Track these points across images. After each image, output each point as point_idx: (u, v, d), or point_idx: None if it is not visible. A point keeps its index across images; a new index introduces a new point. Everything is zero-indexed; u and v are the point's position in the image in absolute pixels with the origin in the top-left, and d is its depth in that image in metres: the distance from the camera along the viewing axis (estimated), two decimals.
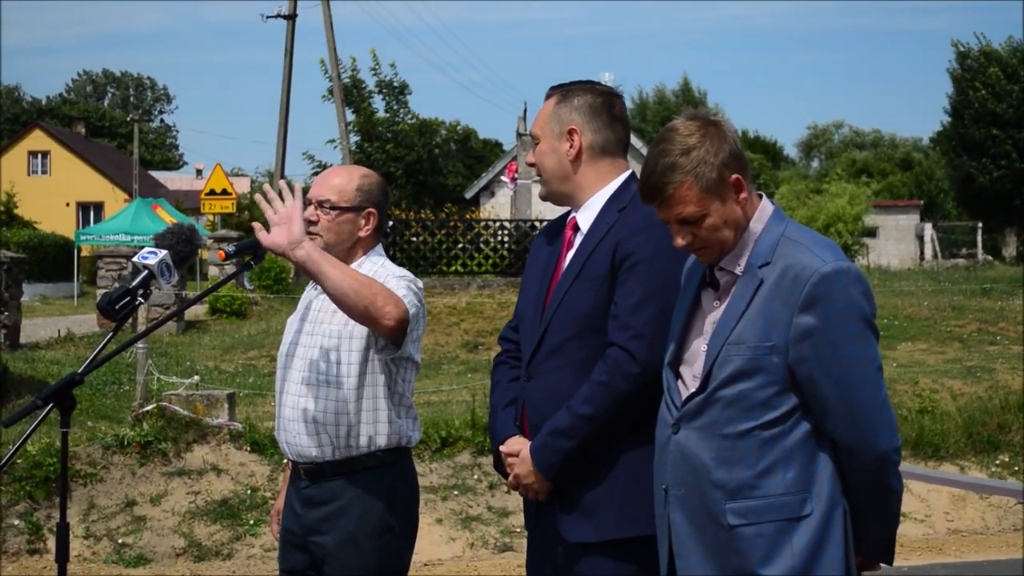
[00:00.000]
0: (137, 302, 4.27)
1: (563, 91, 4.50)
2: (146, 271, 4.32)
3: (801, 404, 3.67)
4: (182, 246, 4.45)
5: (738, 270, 3.76)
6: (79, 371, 4.16)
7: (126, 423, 11.59)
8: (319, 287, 4.83)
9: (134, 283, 4.29)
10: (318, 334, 4.74)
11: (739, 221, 3.75)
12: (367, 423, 4.68)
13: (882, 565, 3.94)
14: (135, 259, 4.39)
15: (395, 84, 47.17)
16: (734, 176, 3.72)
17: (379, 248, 4.91)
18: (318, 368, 4.70)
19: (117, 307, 4.23)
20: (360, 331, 4.66)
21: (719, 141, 3.73)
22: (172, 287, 16.23)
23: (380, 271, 4.79)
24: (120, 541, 10.31)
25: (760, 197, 3.86)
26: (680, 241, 3.77)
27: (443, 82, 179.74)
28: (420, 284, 4.80)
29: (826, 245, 3.71)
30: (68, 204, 66.03)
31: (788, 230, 3.76)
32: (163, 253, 4.35)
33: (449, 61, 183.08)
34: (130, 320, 4.32)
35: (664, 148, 3.74)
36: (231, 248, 4.62)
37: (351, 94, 44.34)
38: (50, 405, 4.07)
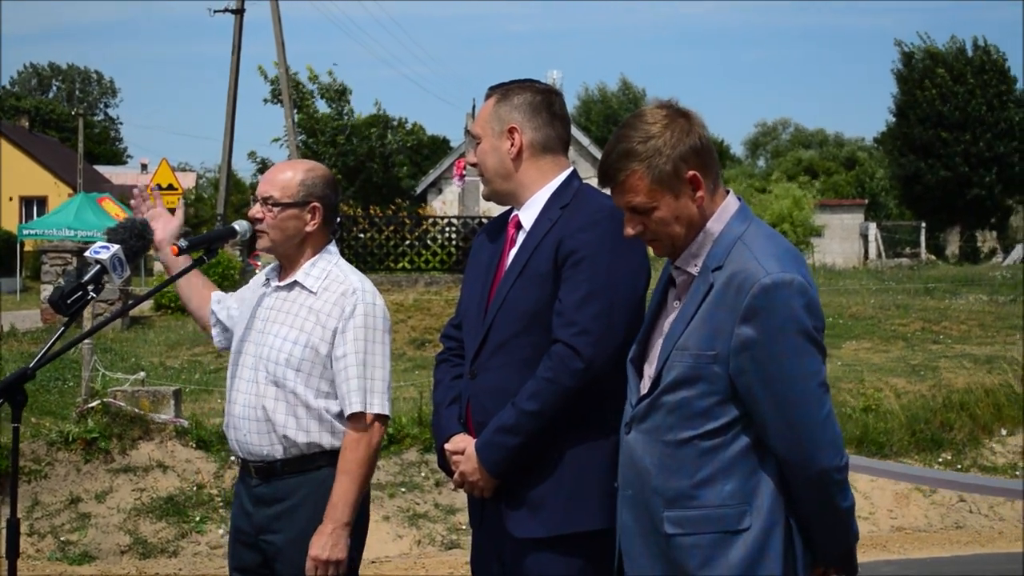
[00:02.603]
0: (89, 297, 4.25)
1: (503, 90, 4.50)
2: (98, 266, 4.30)
3: (743, 416, 3.60)
4: (134, 241, 4.43)
5: (693, 270, 3.72)
6: (30, 366, 4.12)
7: (71, 419, 11.50)
8: (271, 284, 4.83)
9: (86, 277, 4.27)
10: (270, 333, 4.72)
11: (692, 218, 3.69)
12: (317, 422, 4.67)
13: None
14: (87, 253, 4.37)
15: (336, 88, 47.06)
16: (691, 172, 3.65)
17: (331, 246, 4.87)
18: (267, 368, 4.68)
19: (69, 302, 4.21)
20: (311, 338, 4.67)
21: (682, 134, 3.66)
22: (121, 282, 16.14)
23: (334, 272, 4.78)
24: (64, 538, 10.23)
25: (727, 193, 3.79)
26: (630, 230, 3.74)
27: (391, 77, 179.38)
28: (380, 304, 4.78)
29: (775, 254, 3.61)
30: (11, 198, 65.37)
31: (747, 233, 3.68)
32: (115, 248, 4.34)
33: (398, 56, 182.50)
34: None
35: (625, 133, 3.69)
36: (184, 243, 4.61)
37: (292, 95, 44.18)
38: (1, 400, 4.04)
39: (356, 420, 4.64)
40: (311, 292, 4.72)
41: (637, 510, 3.74)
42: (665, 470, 3.65)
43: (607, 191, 3.95)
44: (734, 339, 3.54)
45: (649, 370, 3.79)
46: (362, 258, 26.49)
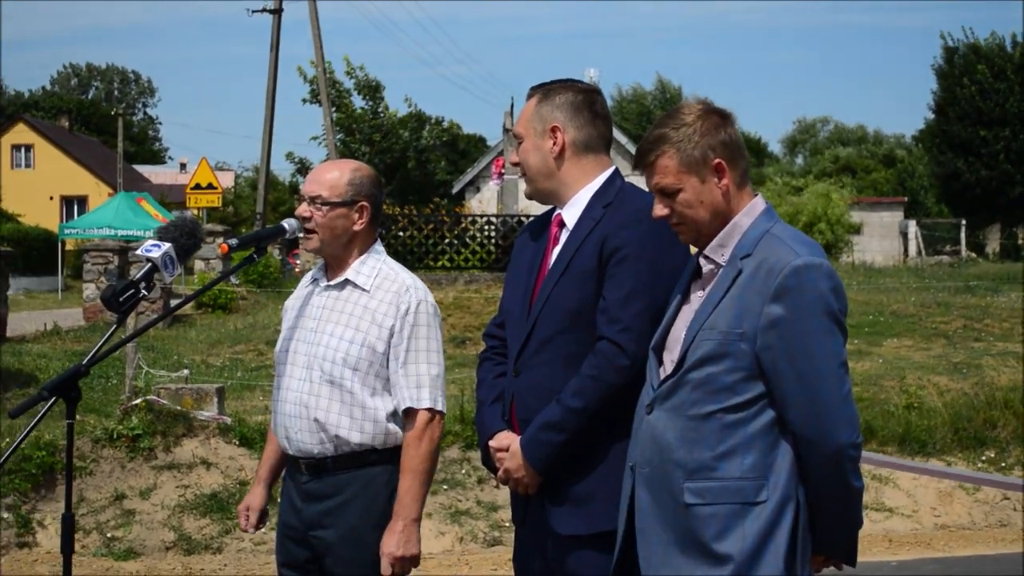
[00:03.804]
0: (141, 294, 4.29)
1: (544, 90, 4.54)
2: (149, 264, 4.34)
3: (767, 393, 3.74)
4: (185, 239, 4.46)
5: (721, 260, 3.87)
6: (83, 363, 4.16)
7: (115, 417, 11.57)
8: (319, 283, 4.85)
9: (138, 275, 4.30)
10: (324, 333, 4.73)
11: (717, 205, 3.87)
12: (372, 423, 4.68)
13: (845, 567, 3.99)
14: (138, 251, 4.41)
15: (370, 84, 47.09)
16: (717, 160, 3.85)
17: (378, 245, 4.90)
18: (322, 367, 4.70)
19: (121, 300, 4.24)
20: (367, 337, 4.69)
21: (713, 127, 3.87)
22: (172, 280, 16.30)
23: (384, 270, 4.79)
24: (110, 534, 10.30)
25: (755, 195, 3.96)
26: (658, 210, 3.91)
27: (429, 77, 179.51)
28: (431, 301, 4.82)
29: (805, 243, 3.81)
30: (52, 198, 65.84)
31: (775, 228, 3.87)
32: (167, 246, 4.37)
33: (436, 56, 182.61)
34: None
35: (662, 121, 3.92)
36: (234, 242, 4.64)
37: (329, 93, 44.28)
38: (56, 397, 4.09)
39: (416, 417, 4.67)
40: (364, 290, 4.74)
41: (654, 486, 3.84)
42: (687, 443, 3.77)
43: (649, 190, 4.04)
44: (763, 317, 3.70)
45: (670, 355, 3.92)
46: (401, 257, 26.52)
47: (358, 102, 47.05)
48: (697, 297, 3.93)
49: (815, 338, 3.68)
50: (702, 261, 3.94)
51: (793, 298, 3.67)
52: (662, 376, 3.90)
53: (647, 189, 3.96)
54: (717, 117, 3.89)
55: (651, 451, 3.85)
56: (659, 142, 3.85)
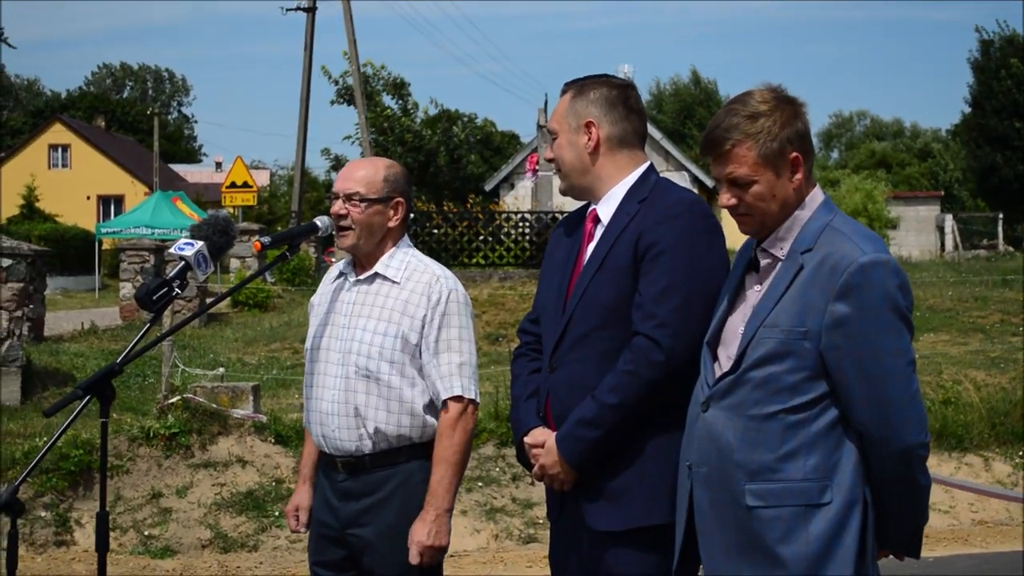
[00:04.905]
0: (174, 293, 4.30)
1: (579, 85, 4.52)
2: (182, 262, 4.34)
3: (830, 392, 3.67)
4: (218, 237, 4.46)
5: (780, 254, 3.80)
6: (117, 362, 4.17)
7: (151, 415, 11.63)
8: (348, 279, 4.85)
9: (171, 274, 4.31)
10: (357, 328, 4.74)
11: (788, 199, 3.79)
12: (409, 416, 4.69)
13: (907, 558, 3.95)
14: (172, 250, 4.42)
15: (395, 82, 47.11)
16: (794, 154, 3.76)
17: (407, 238, 4.92)
18: (357, 363, 4.70)
19: (155, 298, 4.25)
20: (400, 328, 4.69)
21: (789, 117, 3.78)
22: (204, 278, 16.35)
23: (413, 262, 4.81)
24: (146, 532, 10.34)
25: (814, 185, 3.88)
26: (724, 199, 3.83)
27: (463, 74, 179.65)
28: (462, 290, 4.83)
29: (869, 237, 3.72)
30: (88, 197, 66.21)
31: (835, 220, 3.78)
32: (200, 244, 4.37)
33: (470, 53, 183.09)
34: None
35: (734, 108, 3.81)
36: (267, 240, 4.65)
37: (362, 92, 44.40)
38: (90, 395, 4.10)
39: (450, 406, 4.68)
40: (394, 282, 4.75)
41: (713, 486, 3.79)
42: (748, 443, 3.71)
43: (685, 186, 3.99)
44: (827, 316, 3.63)
45: (726, 351, 3.86)
46: (436, 254, 26.51)
47: (388, 101, 47.12)
48: (754, 292, 3.86)
49: (882, 337, 3.62)
50: (759, 254, 3.88)
51: (859, 296, 3.60)
52: (718, 373, 3.85)
53: (715, 176, 3.89)
54: (791, 107, 3.81)
55: (709, 451, 3.80)
56: (734, 130, 3.77)
